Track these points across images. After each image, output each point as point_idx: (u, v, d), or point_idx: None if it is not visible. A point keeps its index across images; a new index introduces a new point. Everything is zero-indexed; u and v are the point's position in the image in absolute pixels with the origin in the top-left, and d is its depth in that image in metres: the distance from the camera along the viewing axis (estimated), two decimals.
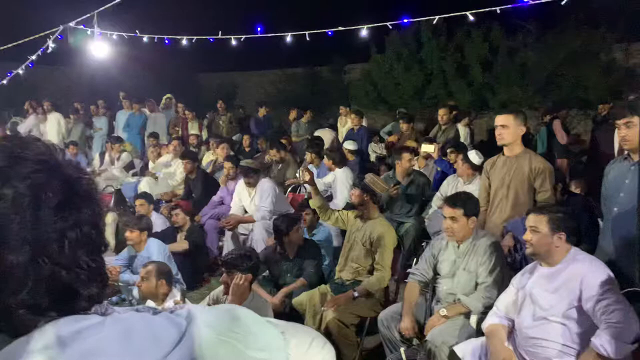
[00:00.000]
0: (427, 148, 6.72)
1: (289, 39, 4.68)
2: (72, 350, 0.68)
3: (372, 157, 8.97)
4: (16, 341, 0.69)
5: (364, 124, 9.53)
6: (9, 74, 7.86)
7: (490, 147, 5.50)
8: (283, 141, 8.03)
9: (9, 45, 6.50)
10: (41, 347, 0.68)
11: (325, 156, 6.76)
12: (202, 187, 7.05)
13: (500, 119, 4.10)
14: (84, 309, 0.75)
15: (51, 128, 10.96)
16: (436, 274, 3.78)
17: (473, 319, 3.45)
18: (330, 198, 6.53)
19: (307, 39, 4.64)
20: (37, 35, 6.06)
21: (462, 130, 8.38)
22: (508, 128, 4.05)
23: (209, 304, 3.17)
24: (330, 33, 4.55)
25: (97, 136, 11.22)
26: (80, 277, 0.74)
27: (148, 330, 0.76)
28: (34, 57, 6.37)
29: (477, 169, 5.42)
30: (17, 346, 0.68)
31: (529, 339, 2.92)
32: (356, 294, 4.08)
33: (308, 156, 7.39)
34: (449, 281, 3.65)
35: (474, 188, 4.89)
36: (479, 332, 3.32)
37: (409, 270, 4.02)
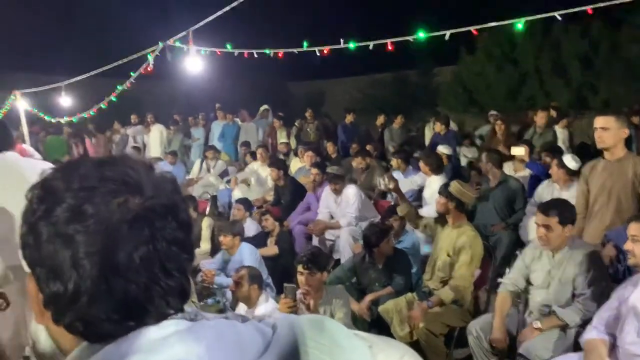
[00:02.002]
0: (517, 151, 6.43)
1: (371, 47, 4.68)
2: (159, 356, 0.70)
3: (463, 162, 8.72)
4: (106, 347, 0.73)
5: (452, 127, 9.30)
6: (116, 90, 8.55)
7: (592, 150, 5.18)
8: (369, 147, 8.02)
9: (116, 63, 7.07)
10: (130, 353, 0.71)
11: (421, 161, 6.54)
12: (290, 194, 7.22)
13: (600, 121, 3.85)
14: (161, 317, 0.76)
15: (154, 139, 11.77)
16: (529, 284, 3.62)
17: (570, 333, 3.27)
18: (414, 197, 6.43)
19: (390, 47, 4.61)
20: (139, 54, 6.54)
21: (561, 132, 7.94)
22: (609, 130, 3.80)
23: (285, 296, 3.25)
24: (413, 40, 4.49)
25: (194, 146, 11.87)
26: (152, 293, 0.75)
27: (235, 339, 0.77)
28: (137, 74, 6.87)
29: (574, 174, 5.11)
30: (106, 353, 0.72)
31: (633, 357, 2.71)
32: (430, 304, 4.01)
33: (394, 162, 7.33)
34: (543, 292, 3.48)
35: (571, 195, 4.62)
36: (575, 347, 3.13)
37: (500, 279, 3.88)
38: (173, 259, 0.78)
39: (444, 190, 4.33)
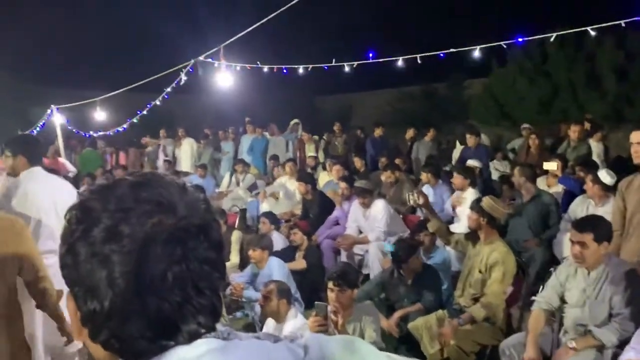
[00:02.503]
0: (549, 166, 6.28)
1: (400, 63, 4.68)
2: None
3: (495, 176, 8.58)
4: None
5: (483, 140, 9.18)
6: (148, 105, 8.74)
7: (628, 164, 5.01)
8: (398, 161, 7.96)
9: (149, 79, 7.25)
10: None
11: (456, 174, 6.43)
12: (318, 208, 7.22)
13: (636, 136, 3.73)
14: (194, 337, 0.77)
15: (185, 152, 11.96)
16: (564, 302, 3.52)
17: (607, 354, 3.16)
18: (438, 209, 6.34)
19: (419, 61, 4.60)
20: (172, 69, 6.69)
21: (595, 146, 7.75)
22: None
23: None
24: (442, 55, 4.48)
25: (224, 159, 12.01)
26: (184, 311, 0.77)
27: (265, 358, 0.78)
28: (169, 89, 7.03)
29: (610, 189, 4.97)
30: None
31: None
32: (461, 322, 3.92)
33: (424, 176, 7.23)
34: (578, 311, 3.38)
35: (606, 211, 4.49)
36: None
37: (533, 297, 3.78)
38: (205, 278, 0.79)
39: (475, 206, 4.26)
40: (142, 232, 0.75)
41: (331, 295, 3.58)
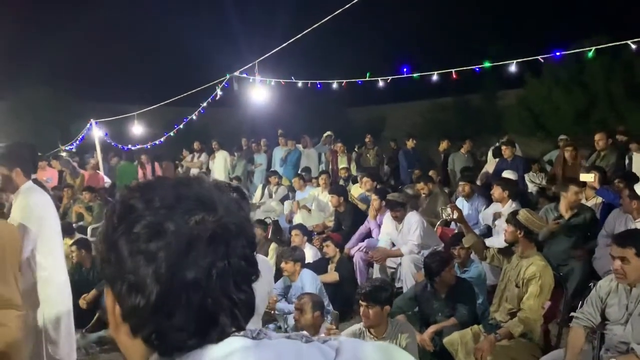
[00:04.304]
0: (586, 177, 6.13)
1: (435, 77, 4.68)
2: None
3: (530, 188, 8.42)
4: None
5: (518, 152, 9.03)
6: (185, 119, 8.94)
7: None
8: (431, 173, 7.91)
9: (186, 94, 7.43)
10: None
11: (495, 186, 6.32)
12: (351, 220, 7.22)
13: None
14: (226, 334, 0.79)
15: (218, 165, 12.13)
16: (605, 319, 3.42)
17: None
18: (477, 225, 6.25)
19: (454, 76, 4.59)
20: (207, 84, 6.84)
21: (638, 157, 7.50)
22: None
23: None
24: (477, 70, 4.45)
25: (257, 171, 12.13)
26: (224, 306, 0.79)
27: (296, 357, 0.79)
28: (205, 104, 7.18)
29: None
30: None
31: None
32: (497, 337, 3.85)
33: (462, 187, 7.10)
34: (621, 328, 3.28)
35: None
36: None
37: (572, 313, 3.69)
38: (243, 275, 0.82)
39: (512, 219, 4.19)
40: (186, 229, 0.78)
41: (362, 311, 3.58)
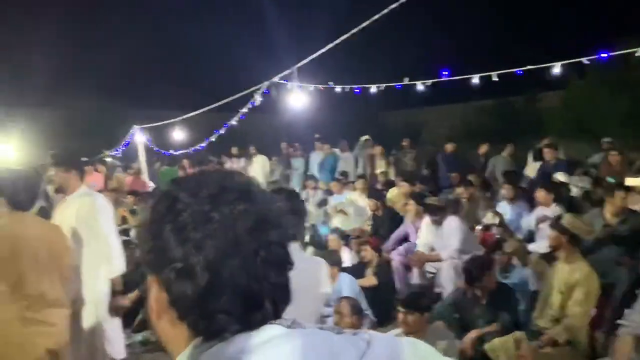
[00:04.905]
0: (632, 181, 5.93)
1: (475, 80, 4.62)
2: (258, 359, 0.79)
3: (574, 192, 8.18)
4: (216, 347, 0.81)
5: (561, 155, 8.80)
6: (225, 125, 9.11)
7: None
8: (471, 177, 7.80)
9: (226, 100, 7.57)
10: (235, 352, 0.79)
11: (539, 190, 6.15)
12: (388, 224, 7.19)
13: None
14: (268, 319, 0.84)
15: (257, 169, 12.29)
16: None
17: None
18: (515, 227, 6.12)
19: (495, 79, 4.52)
20: (247, 91, 6.96)
21: None
22: None
23: None
24: (519, 72, 4.38)
25: (295, 175, 12.23)
26: (266, 292, 0.84)
27: (328, 348, 0.82)
28: (245, 110, 7.29)
29: None
30: (218, 350, 0.81)
31: None
32: (541, 344, 3.76)
33: (505, 190, 6.93)
34: None
35: None
36: None
37: (619, 321, 3.58)
38: (283, 261, 0.88)
39: (556, 224, 4.10)
40: (230, 218, 0.83)
41: (400, 317, 3.56)
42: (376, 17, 4.22)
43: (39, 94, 17.99)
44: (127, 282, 5.68)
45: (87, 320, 3.65)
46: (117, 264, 3.80)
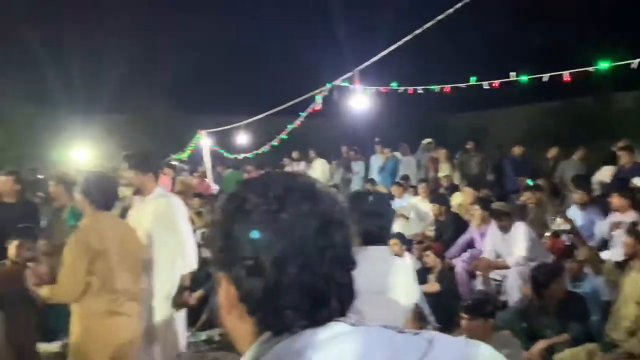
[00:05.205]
0: None
1: (545, 79, 4.44)
2: (324, 354, 0.80)
3: None
4: (284, 341, 0.83)
5: (638, 159, 8.29)
6: (287, 128, 9.24)
7: None
8: (540, 182, 7.50)
9: (288, 104, 7.68)
10: (302, 347, 0.81)
11: (614, 195, 5.82)
12: (452, 229, 7.04)
13: None
14: (333, 317, 0.86)
15: (316, 173, 12.35)
16: None
17: None
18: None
19: (567, 78, 4.33)
20: (308, 94, 7.02)
21: None
22: None
23: None
24: (592, 71, 4.17)
25: (355, 179, 12.19)
26: (333, 290, 0.86)
27: (391, 346, 0.84)
28: (306, 112, 7.36)
29: None
30: (286, 345, 0.83)
31: None
32: (616, 357, 3.55)
33: (578, 196, 6.58)
34: None
35: None
36: None
37: None
38: (347, 261, 0.89)
39: (632, 231, 3.88)
40: (298, 217, 0.85)
41: (464, 324, 3.48)
42: (441, 17, 4.15)
43: (109, 101, 18.97)
44: (192, 281, 5.89)
45: (160, 313, 3.81)
46: (191, 261, 3.97)
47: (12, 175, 5.70)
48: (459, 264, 6.17)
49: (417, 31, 4.49)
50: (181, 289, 3.90)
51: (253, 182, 0.94)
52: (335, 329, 0.84)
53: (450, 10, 3.99)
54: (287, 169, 13.53)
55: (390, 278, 2.17)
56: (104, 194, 3.19)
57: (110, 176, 3.42)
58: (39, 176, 12.19)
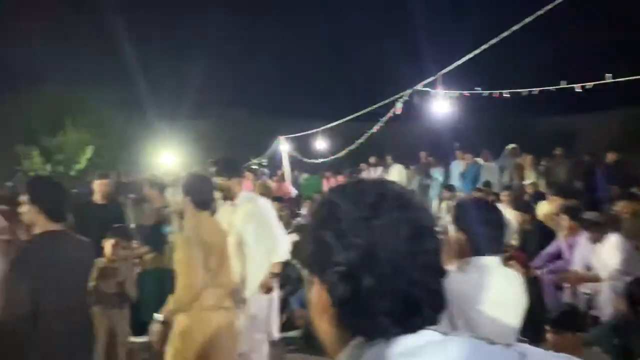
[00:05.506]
0: None
1: None
2: None
3: None
4: (377, 346, 0.84)
5: None
6: (366, 133, 9.24)
7: None
8: (635, 190, 7.02)
9: (367, 109, 7.68)
10: (394, 354, 0.82)
11: None
12: (537, 239, 6.76)
13: None
14: (423, 325, 0.85)
15: (393, 178, 12.24)
16: None
17: None
18: None
19: None
20: (388, 100, 6.99)
21: None
22: None
23: None
24: None
25: (433, 185, 11.97)
26: (425, 297, 0.86)
27: (483, 357, 0.83)
28: (386, 118, 7.33)
29: None
30: (379, 351, 0.83)
31: None
32: None
33: None
34: None
35: None
36: None
37: None
38: (438, 268, 0.89)
39: None
40: (391, 224, 0.86)
41: (550, 338, 3.32)
42: (529, 19, 4.00)
43: (193, 108, 19.87)
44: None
45: (256, 305, 4.05)
46: (283, 252, 4.24)
47: (107, 179, 6.22)
48: (546, 276, 5.91)
49: (505, 33, 4.35)
50: (271, 275, 4.13)
51: (345, 188, 0.94)
52: (427, 337, 0.84)
53: (540, 12, 3.84)
54: (364, 174, 13.52)
55: (501, 289, 2.11)
56: (205, 195, 3.36)
57: (208, 178, 3.64)
58: (131, 179, 12.98)
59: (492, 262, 2.15)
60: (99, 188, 5.94)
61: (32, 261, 2.61)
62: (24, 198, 2.74)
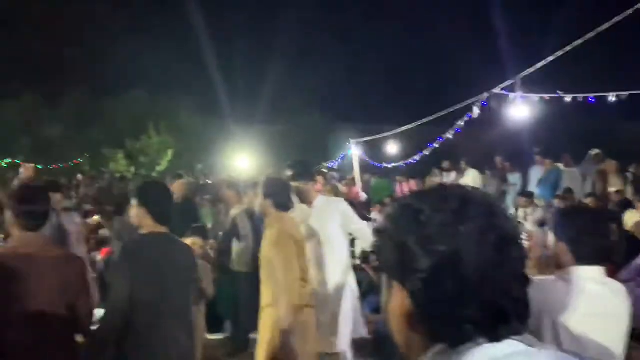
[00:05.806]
0: None
1: None
2: None
3: None
4: (462, 354, 0.83)
5: None
6: (439, 138, 9.08)
7: None
8: None
9: (441, 113, 7.54)
10: None
11: None
12: (624, 250, 6.36)
13: None
14: (508, 335, 0.83)
15: (468, 184, 11.91)
16: None
17: None
18: None
19: None
20: (464, 103, 6.83)
21: None
22: None
23: None
24: None
25: (511, 191, 11.55)
26: (510, 306, 0.84)
27: None
28: (461, 122, 7.17)
29: None
30: (465, 359, 0.82)
31: None
32: None
33: None
34: None
35: None
36: None
37: None
38: (522, 278, 0.87)
39: None
40: (476, 232, 0.84)
41: (634, 356, 3.11)
42: (618, 18, 3.78)
43: (266, 113, 20.35)
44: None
45: (345, 303, 4.13)
46: (367, 243, 4.59)
47: (182, 179, 6.69)
48: (634, 290, 5.54)
49: (590, 34, 4.13)
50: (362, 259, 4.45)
51: (428, 194, 0.93)
52: (513, 347, 0.82)
53: (630, 11, 3.61)
54: (437, 179, 13.25)
55: (604, 301, 2.02)
56: (284, 197, 3.46)
57: (287, 182, 3.77)
58: (207, 181, 13.45)
59: (595, 273, 2.04)
60: (174, 188, 6.22)
61: (135, 260, 2.72)
62: (133, 201, 2.88)
